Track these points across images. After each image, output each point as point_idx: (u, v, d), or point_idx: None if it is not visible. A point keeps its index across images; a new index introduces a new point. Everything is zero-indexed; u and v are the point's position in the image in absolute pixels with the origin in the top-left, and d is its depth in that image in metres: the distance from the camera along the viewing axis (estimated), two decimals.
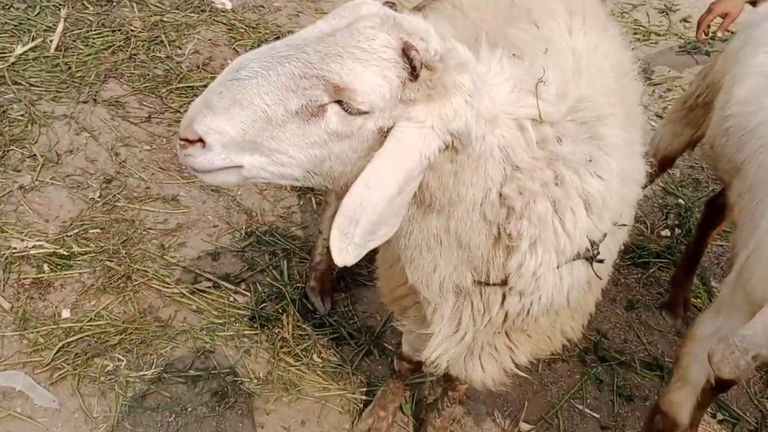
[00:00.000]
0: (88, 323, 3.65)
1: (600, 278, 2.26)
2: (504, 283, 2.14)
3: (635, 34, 6.41)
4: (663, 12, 6.73)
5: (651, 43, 6.39)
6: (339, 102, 1.66)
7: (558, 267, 2.09)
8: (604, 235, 2.22)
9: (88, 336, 3.60)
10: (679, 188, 5.13)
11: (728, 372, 2.92)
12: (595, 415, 3.76)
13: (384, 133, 1.70)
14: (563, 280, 2.16)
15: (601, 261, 2.24)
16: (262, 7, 5.86)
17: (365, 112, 1.67)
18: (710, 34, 5.24)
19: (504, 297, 2.21)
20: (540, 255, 2.05)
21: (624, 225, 2.29)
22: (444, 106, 1.69)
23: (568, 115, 2.00)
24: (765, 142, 2.95)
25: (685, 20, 6.68)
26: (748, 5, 4.59)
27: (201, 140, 1.67)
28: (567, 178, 1.94)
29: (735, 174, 3.18)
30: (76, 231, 4.02)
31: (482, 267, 2.12)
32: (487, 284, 2.18)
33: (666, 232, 4.84)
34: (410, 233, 1.99)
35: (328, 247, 3.88)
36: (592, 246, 2.16)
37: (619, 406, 3.82)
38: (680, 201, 5.04)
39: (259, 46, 5.48)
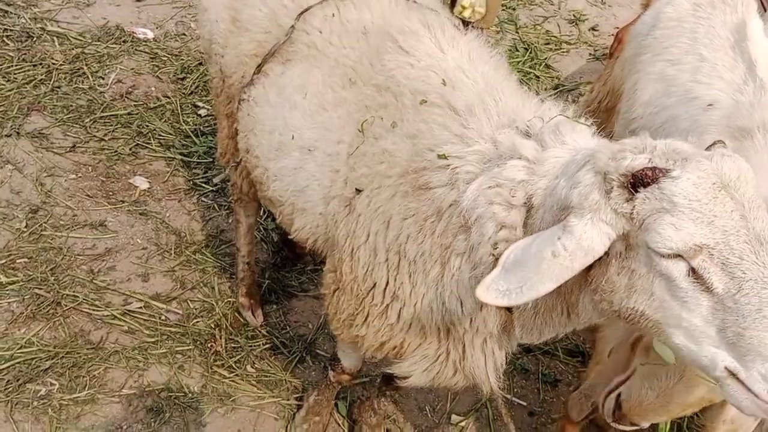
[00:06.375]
0: (19, 351, 3.66)
1: None
2: None
3: (547, 44, 6.70)
4: (572, 22, 7.06)
5: (563, 51, 6.69)
6: None
7: None
8: None
9: (19, 363, 3.62)
10: None
11: (576, 415, 3.24)
12: (522, 403, 3.92)
13: None
14: None
15: None
16: (184, 34, 5.96)
17: None
18: None
19: None
20: None
21: None
22: None
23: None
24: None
25: (593, 29, 7.02)
26: None
27: None
28: None
29: None
30: (3, 261, 4.04)
31: None
32: None
33: None
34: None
35: (248, 263, 3.98)
36: None
37: (545, 392, 4.00)
38: None
39: (181, 72, 5.53)
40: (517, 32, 6.77)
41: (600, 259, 1.86)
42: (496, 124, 2.28)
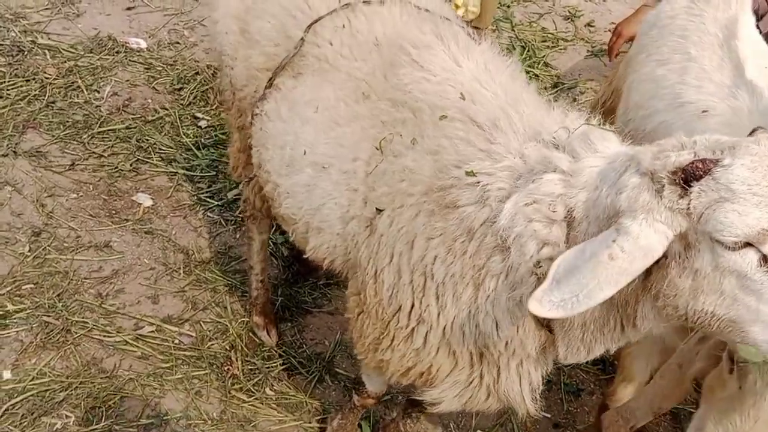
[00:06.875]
0: (31, 382, 3.55)
1: None
2: None
3: (544, 41, 6.64)
4: (568, 18, 6.99)
5: (560, 49, 6.62)
6: None
7: None
8: None
9: (32, 395, 3.51)
10: None
11: None
12: (546, 415, 3.86)
13: None
14: None
15: None
16: (178, 43, 5.83)
17: None
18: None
19: None
20: None
21: None
22: None
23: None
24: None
25: (589, 25, 6.95)
26: None
27: None
28: None
29: None
30: (9, 288, 3.91)
31: None
32: None
33: None
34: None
35: (262, 281, 3.89)
36: None
37: (568, 403, 3.95)
38: None
39: (178, 83, 5.42)
40: (513, 30, 6.70)
41: (658, 262, 1.80)
42: (523, 137, 2.22)
